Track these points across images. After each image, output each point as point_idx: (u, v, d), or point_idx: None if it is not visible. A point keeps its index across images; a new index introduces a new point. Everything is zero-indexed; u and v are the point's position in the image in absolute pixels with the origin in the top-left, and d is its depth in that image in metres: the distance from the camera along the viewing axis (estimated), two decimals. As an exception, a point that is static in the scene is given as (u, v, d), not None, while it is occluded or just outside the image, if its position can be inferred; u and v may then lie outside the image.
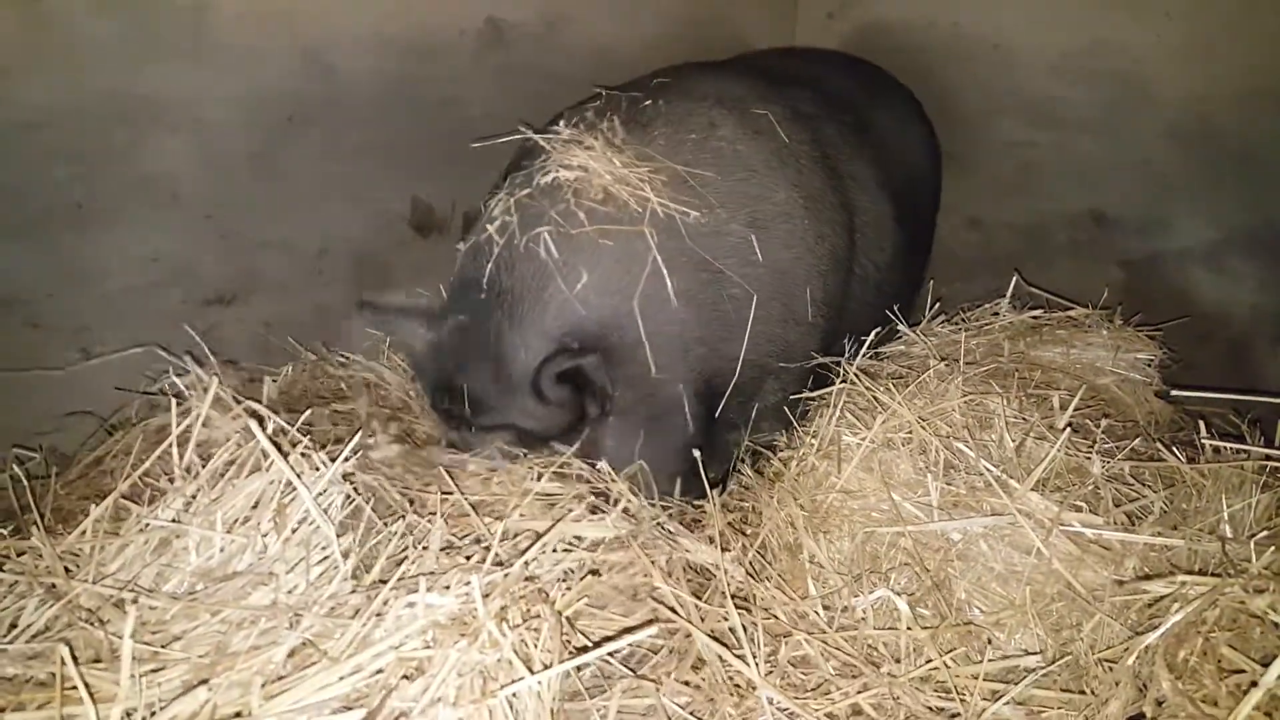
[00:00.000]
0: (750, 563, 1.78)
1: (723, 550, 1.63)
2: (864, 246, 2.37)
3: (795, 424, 2.15)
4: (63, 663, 1.12)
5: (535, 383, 1.77)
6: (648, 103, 2.12)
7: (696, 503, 1.93)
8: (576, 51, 2.98)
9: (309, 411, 1.62)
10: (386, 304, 2.16)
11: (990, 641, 1.62)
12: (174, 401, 1.60)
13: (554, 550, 1.44)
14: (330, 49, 2.54)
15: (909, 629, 1.56)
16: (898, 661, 1.56)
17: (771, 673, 1.49)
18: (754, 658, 1.41)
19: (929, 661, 1.53)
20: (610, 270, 1.85)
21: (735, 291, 1.99)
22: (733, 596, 1.54)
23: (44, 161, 2.22)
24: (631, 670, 1.45)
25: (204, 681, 1.12)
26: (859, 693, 1.47)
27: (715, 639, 1.44)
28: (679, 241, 1.91)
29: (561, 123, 2.03)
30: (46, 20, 2.15)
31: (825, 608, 1.69)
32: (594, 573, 1.52)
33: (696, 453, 1.88)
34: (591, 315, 1.83)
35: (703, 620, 1.50)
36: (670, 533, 1.63)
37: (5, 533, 1.65)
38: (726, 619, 1.48)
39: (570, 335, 1.82)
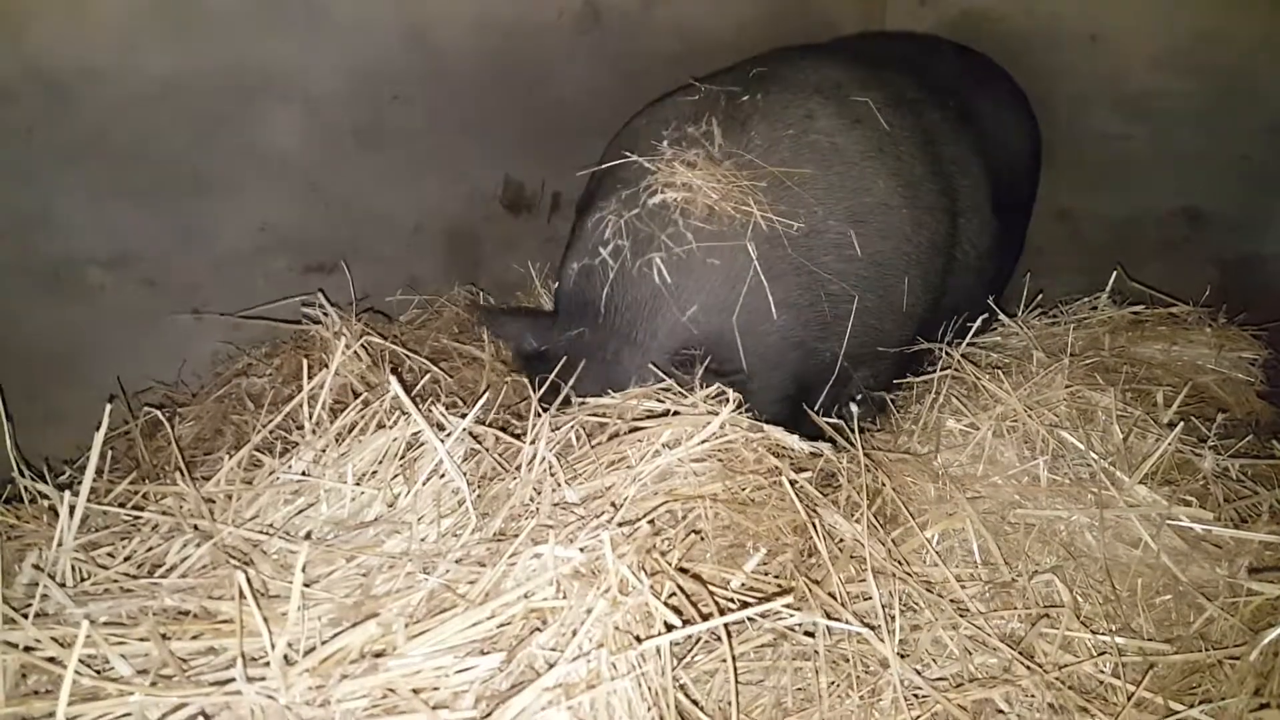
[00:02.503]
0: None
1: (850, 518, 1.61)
2: (966, 231, 2.36)
3: (891, 409, 2.15)
4: (240, 595, 1.19)
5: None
6: (744, 98, 2.13)
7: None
8: (670, 32, 2.99)
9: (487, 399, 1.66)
10: (496, 308, 2.21)
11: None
12: (304, 360, 1.66)
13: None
14: (434, 27, 2.59)
15: (1066, 626, 1.53)
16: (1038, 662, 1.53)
17: (908, 655, 1.50)
18: (889, 634, 1.41)
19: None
20: (717, 289, 1.91)
21: (833, 289, 2.02)
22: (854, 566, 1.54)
23: (165, 129, 2.32)
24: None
25: (374, 615, 1.18)
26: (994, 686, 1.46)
27: (844, 609, 1.45)
28: (780, 249, 1.95)
29: (665, 141, 2.05)
30: (172, -6, 2.24)
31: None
32: (696, 533, 1.54)
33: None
34: (700, 334, 1.91)
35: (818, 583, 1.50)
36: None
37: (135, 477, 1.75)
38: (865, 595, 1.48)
39: (683, 352, 1.90)
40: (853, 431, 1.85)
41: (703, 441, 1.57)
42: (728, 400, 1.65)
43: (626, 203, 1.98)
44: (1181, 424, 1.82)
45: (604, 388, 1.87)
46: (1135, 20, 3.03)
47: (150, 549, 1.46)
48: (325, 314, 2.12)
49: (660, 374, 1.83)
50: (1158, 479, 1.77)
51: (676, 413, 1.68)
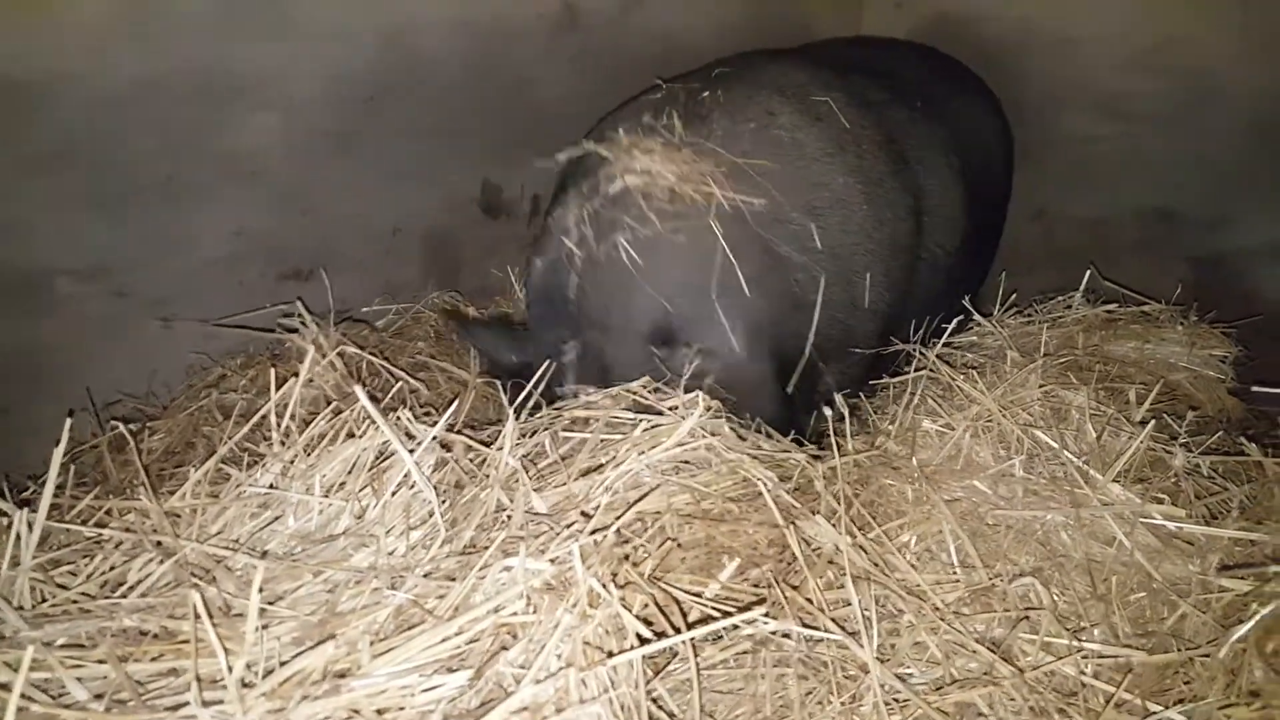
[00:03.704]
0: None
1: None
2: (931, 232, 2.37)
3: (867, 410, 2.15)
4: (195, 615, 1.16)
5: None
6: (705, 94, 2.13)
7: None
8: (648, 35, 2.99)
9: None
10: (473, 319, 2.18)
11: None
12: (272, 371, 1.64)
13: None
14: (411, 30, 2.57)
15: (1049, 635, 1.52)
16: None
17: (888, 660, 1.49)
18: (869, 639, 1.40)
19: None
20: (688, 268, 1.89)
21: (799, 276, 2.02)
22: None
23: (136, 135, 2.28)
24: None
25: (331, 637, 1.16)
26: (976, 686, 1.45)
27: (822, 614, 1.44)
28: (745, 228, 1.94)
29: (621, 130, 2.05)
30: (145, -5, 2.20)
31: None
32: (673, 540, 1.52)
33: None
34: (676, 312, 1.88)
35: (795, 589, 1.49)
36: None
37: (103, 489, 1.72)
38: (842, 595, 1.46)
39: (659, 333, 1.88)
40: (827, 435, 1.84)
41: (677, 445, 1.56)
42: (699, 405, 1.64)
43: (587, 194, 1.97)
44: (1153, 422, 1.82)
45: (590, 380, 1.84)
46: (1104, 23, 3.06)
47: (113, 567, 1.43)
48: (303, 323, 2.08)
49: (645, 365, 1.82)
50: (1131, 477, 1.77)
51: (654, 419, 1.66)
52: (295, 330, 2.09)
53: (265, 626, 1.26)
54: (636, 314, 1.87)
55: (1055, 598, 1.59)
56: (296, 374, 1.61)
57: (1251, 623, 1.42)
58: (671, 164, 1.93)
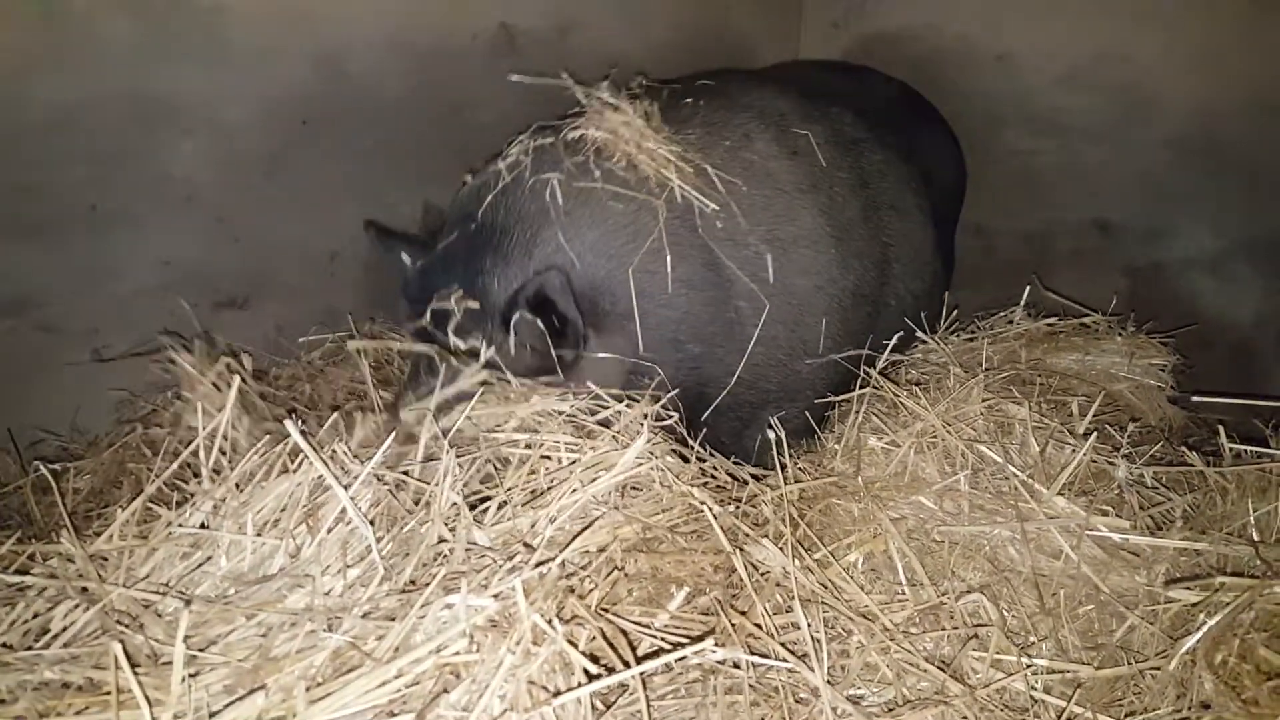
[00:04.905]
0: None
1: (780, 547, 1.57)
2: (901, 277, 2.31)
3: (816, 430, 2.14)
4: (116, 665, 1.10)
5: (506, 314, 1.71)
6: (688, 100, 2.08)
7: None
8: (587, 58, 2.97)
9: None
10: (396, 233, 2.06)
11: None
12: (200, 407, 1.58)
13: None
14: (345, 52, 2.54)
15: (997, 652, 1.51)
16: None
17: (838, 682, 1.47)
18: (818, 662, 1.38)
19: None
20: (613, 234, 1.79)
21: (742, 304, 1.95)
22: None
23: (60, 162, 2.20)
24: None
25: (261, 686, 1.10)
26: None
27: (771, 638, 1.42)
28: (692, 232, 1.87)
29: (604, 84, 1.95)
30: (66, 19, 2.14)
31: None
32: (619, 569, 1.49)
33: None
34: (583, 273, 1.75)
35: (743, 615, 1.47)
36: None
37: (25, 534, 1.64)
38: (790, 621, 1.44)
39: (551, 289, 1.70)
40: (773, 457, 1.81)
41: (624, 473, 1.53)
42: (644, 428, 1.61)
43: (544, 132, 1.89)
44: (1095, 434, 1.85)
45: (466, 294, 1.74)
46: (1039, 40, 3.13)
47: (35, 615, 1.36)
48: (173, 361, 1.92)
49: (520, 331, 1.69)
50: (1075, 489, 1.79)
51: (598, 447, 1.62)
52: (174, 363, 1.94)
53: (194, 675, 1.20)
54: (539, 254, 1.74)
55: (1004, 613, 1.60)
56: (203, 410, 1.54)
57: (1200, 634, 1.43)
58: (641, 135, 1.86)
